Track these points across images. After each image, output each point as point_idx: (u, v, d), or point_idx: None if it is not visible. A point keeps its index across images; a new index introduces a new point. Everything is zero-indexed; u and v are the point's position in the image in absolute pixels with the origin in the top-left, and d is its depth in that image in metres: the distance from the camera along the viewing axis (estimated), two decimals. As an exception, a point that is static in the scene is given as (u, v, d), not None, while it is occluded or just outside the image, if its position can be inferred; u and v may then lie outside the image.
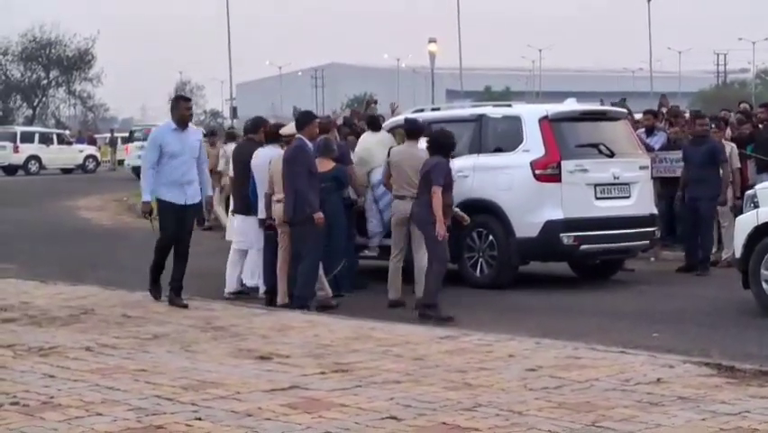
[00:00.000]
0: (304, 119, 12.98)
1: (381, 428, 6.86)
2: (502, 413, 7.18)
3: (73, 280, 14.67)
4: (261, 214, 13.22)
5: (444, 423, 6.96)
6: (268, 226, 13.06)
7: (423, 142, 13.50)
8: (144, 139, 43.29)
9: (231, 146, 23.02)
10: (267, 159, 13.18)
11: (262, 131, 13.96)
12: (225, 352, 9.46)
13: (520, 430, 6.79)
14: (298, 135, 12.70)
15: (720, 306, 12.86)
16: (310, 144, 12.79)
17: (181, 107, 12.40)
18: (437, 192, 12.07)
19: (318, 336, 10.25)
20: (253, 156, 13.45)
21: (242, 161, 13.90)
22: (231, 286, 13.97)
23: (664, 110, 20.88)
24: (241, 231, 14.03)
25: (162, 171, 12.17)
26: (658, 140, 18.10)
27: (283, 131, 13.32)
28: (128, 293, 13.26)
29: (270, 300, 13.00)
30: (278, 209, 12.77)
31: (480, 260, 14.45)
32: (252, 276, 14.48)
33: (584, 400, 7.49)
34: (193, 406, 7.44)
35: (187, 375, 8.44)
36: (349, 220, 14.09)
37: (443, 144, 12.50)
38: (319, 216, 12.35)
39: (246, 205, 13.75)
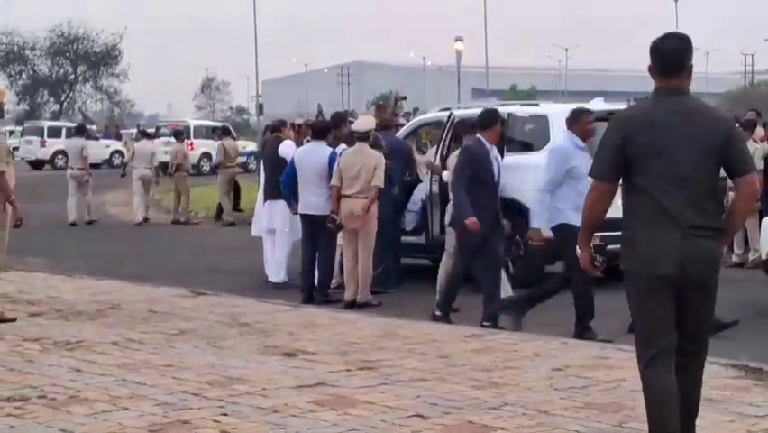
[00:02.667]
0: (488, 118, 11.61)
1: (407, 426, 6.85)
2: (528, 412, 7.16)
3: (99, 275, 14.73)
4: (306, 209, 13.26)
5: (471, 422, 6.95)
6: (331, 222, 12.87)
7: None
8: (170, 135, 43.57)
9: (141, 143, 26.24)
10: (313, 154, 13.25)
11: (291, 128, 15.65)
12: (251, 348, 9.47)
13: (546, 430, 6.77)
14: (478, 135, 11.57)
15: (747, 308, 12.79)
16: (489, 146, 11.44)
17: (584, 121, 10.86)
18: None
19: (344, 333, 10.24)
20: (297, 151, 13.82)
21: (269, 155, 15.14)
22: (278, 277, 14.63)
23: None
24: (272, 218, 14.75)
25: (566, 195, 10.49)
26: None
27: (357, 126, 13.26)
28: (154, 288, 13.30)
29: (309, 298, 13.01)
30: (348, 205, 12.70)
31: (507, 259, 14.42)
32: (278, 273, 14.57)
33: (611, 400, 7.46)
34: (219, 402, 7.46)
35: (213, 371, 8.45)
36: (396, 217, 14.10)
37: None
38: (470, 220, 11.16)
39: (275, 191, 14.37)
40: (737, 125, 16.30)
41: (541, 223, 10.81)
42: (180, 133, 28.29)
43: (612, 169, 5.76)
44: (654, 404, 5.74)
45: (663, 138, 5.63)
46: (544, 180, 10.72)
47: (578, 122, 10.82)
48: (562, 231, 10.49)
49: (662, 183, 5.64)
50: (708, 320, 5.96)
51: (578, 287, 10.41)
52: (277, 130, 15.70)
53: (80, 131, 26.93)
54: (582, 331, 10.52)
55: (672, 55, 5.75)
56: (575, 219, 9.95)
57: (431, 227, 14.80)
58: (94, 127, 62.65)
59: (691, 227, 5.61)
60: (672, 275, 5.64)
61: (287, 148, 14.53)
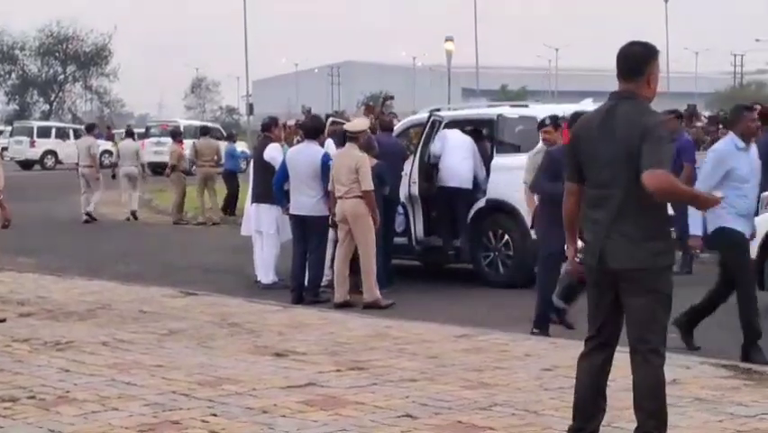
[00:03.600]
0: (572, 119, 11.02)
1: (397, 427, 6.86)
2: (518, 412, 7.18)
3: (89, 275, 14.71)
4: (297, 210, 13.27)
5: (460, 422, 6.96)
6: (333, 224, 13.02)
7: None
8: (161, 135, 43.52)
9: (125, 142, 27.49)
10: (305, 155, 13.24)
11: (283, 128, 15.86)
12: (241, 348, 9.47)
13: (536, 430, 6.79)
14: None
15: (735, 307, 12.79)
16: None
17: (746, 119, 9.87)
18: None
19: (334, 333, 10.25)
20: (289, 152, 13.81)
21: (258, 156, 14.97)
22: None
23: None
24: (260, 220, 14.70)
25: (727, 198, 9.21)
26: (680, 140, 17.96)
27: (349, 126, 13.26)
28: (144, 288, 13.28)
29: (299, 298, 13.00)
30: (339, 206, 12.72)
31: (497, 259, 14.45)
32: (267, 273, 14.56)
33: (600, 400, 7.45)
34: (209, 402, 7.46)
35: (203, 371, 8.45)
36: (388, 217, 14.11)
37: None
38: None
39: (262, 194, 14.40)
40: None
41: (697, 228, 10.05)
42: (178, 134, 27.97)
43: (571, 171, 6.21)
44: (575, 390, 6.29)
45: (593, 143, 5.99)
46: (698, 183, 9.79)
47: (739, 121, 9.87)
48: (723, 235, 9.81)
49: (594, 186, 6.03)
50: (649, 322, 5.95)
51: (743, 288, 9.96)
52: (267, 129, 15.49)
53: (90, 129, 27.87)
54: (748, 351, 9.83)
55: (629, 59, 5.96)
56: (737, 224, 9.68)
57: (413, 229, 14.86)
58: (82, 127, 62.52)
59: (614, 226, 5.91)
60: (598, 268, 6.00)
61: (273, 152, 14.42)
